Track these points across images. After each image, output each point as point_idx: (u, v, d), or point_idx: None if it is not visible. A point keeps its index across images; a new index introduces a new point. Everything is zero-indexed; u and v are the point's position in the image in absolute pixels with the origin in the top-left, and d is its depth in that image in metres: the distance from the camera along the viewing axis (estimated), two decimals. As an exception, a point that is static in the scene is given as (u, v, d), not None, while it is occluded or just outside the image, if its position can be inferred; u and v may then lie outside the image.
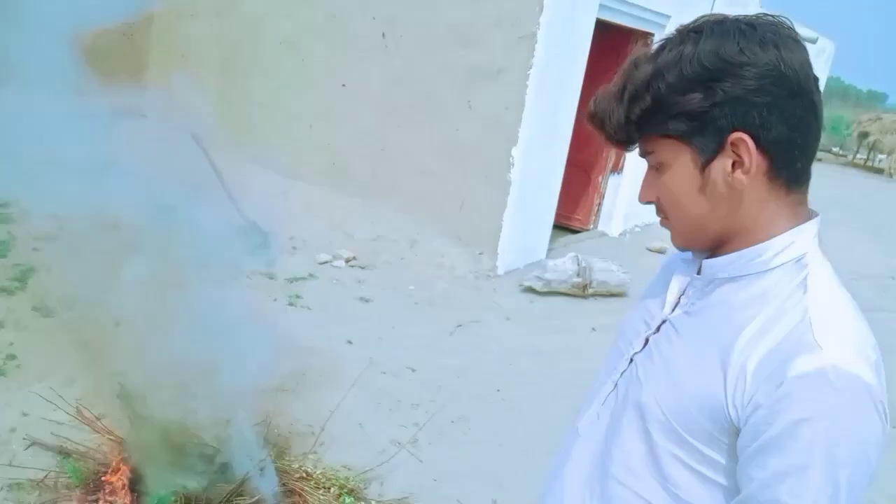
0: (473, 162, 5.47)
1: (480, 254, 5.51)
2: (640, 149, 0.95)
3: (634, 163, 7.03)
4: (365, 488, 2.87)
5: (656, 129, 0.90)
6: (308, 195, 6.37)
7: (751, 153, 0.86)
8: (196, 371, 2.85)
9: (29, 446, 2.85)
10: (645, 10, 6.14)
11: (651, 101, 0.87)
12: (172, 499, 2.29)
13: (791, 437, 0.76)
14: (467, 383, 3.92)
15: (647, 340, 1.01)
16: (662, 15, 6.43)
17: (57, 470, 2.66)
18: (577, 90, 5.63)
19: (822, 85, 10.66)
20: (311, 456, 3.00)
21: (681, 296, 1.00)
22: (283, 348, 3.92)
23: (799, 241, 0.89)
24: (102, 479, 2.51)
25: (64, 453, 2.78)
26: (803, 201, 0.92)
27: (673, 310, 1.00)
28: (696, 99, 0.85)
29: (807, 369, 0.77)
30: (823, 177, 15.55)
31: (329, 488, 2.59)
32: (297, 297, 4.64)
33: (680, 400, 0.89)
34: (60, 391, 3.15)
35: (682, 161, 0.90)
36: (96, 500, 2.40)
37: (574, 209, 7.15)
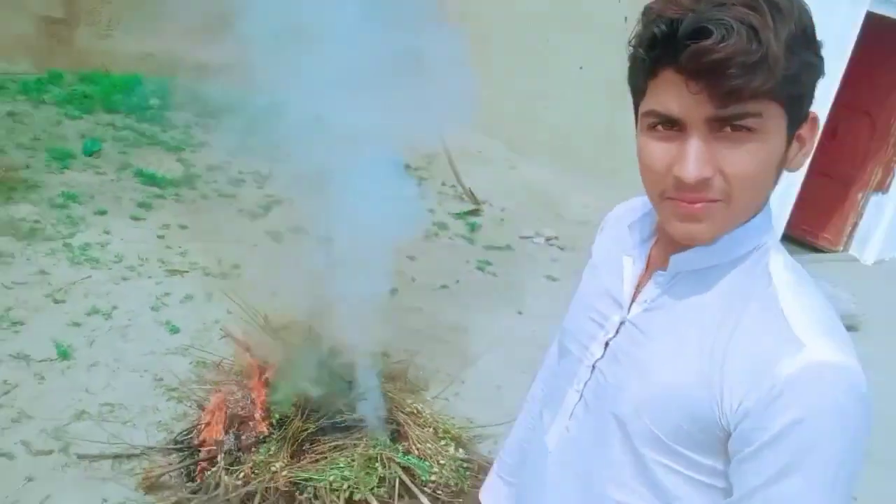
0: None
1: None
2: (743, 109, 0.74)
3: (906, 183, 6.05)
4: (478, 443, 3.00)
5: (787, 88, 0.74)
6: (529, 172, 6.53)
7: (817, 135, 0.82)
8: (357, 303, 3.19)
9: (222, 337, 3.45)
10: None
11: (804, 57, 0.75)
12: (291, 399, 2.63)
13: (785, 440, 0.74)
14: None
15: (606, 344, 0.94)
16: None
17: (232, 359, 3.20)
18: (834, 88, 5.00)
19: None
20: (439, 400, 3.21)
21: (635, 291, 0.93)
22: (454, 304, 4.18)
23: (764, 227, 0.85)
24: (257, 373, 2.97)
25: (245, 348, 3.32)
26: None
27: (629, 308, 0.92)
28: (820, 64, 0.78)
29: (793, 371, 0.74)
30: None
31: (434, 429, 2.76)
32: (488, 263, 4.85)
33: (663, 410, 0.84)
34: (261, 301, 3.74)
35: (780, 132, 0.78)
36: (245, 388, 2.85)
37: (823, 226, 6.36)
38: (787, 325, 0.77)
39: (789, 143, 0.80)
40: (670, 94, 0.76)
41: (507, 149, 6.95)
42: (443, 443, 2.71)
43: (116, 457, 2.54)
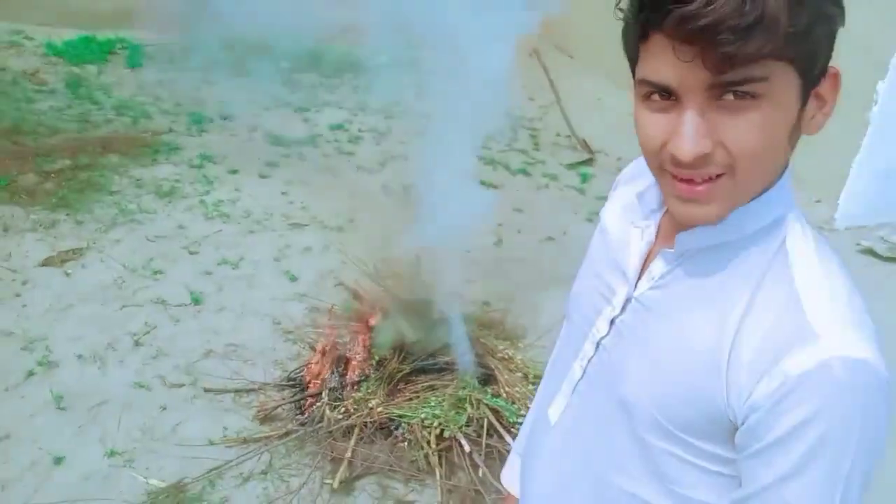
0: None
1: (818, 201, 4.88)
2: (743, 74, 0.67)
3: None
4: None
5: (794, 47, 0.67)
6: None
7: (838, 92, 0.74)
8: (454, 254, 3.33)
9: (336, 285, 3.71)
10: None
11: (814, 13, 0.67)
12: (391, 342, 2.82)
13: (796, 438, 0.70)
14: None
15: (612, 322, 0.90)
16: None
17: (342, 305, 3.45)
18: None
19: None
20: (536, 347, 3.29)
21: (643, 266, 0.88)
22: (559, 255, 4.21)
23: (777, 199, 0.78)
24: (364, 318, 3.19)
25: (355, 296, 3.56)
26: None
27: (636, 284, 0.88)
28: (837, 14, 0.70)
29: (807, 365, 0.69)
30: None
31: (524, 374, 2.86)
32: (597, 214, 4.79)
33: (669, 397, 0.80)
34: (374, 252, 3.96)
35: (791, 95, 0.71)
36: (352, 331, 3.08)
37: None
38: (803, 312, 0.71)
39: (804, 104, 0.73)
40: (662, 61, 0.69)
41: (630, 98, 6.73)
42: (532, 387, 2.80)
43: (237, 391, 2.85)
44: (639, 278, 0.88)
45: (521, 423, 2.67)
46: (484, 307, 3.54)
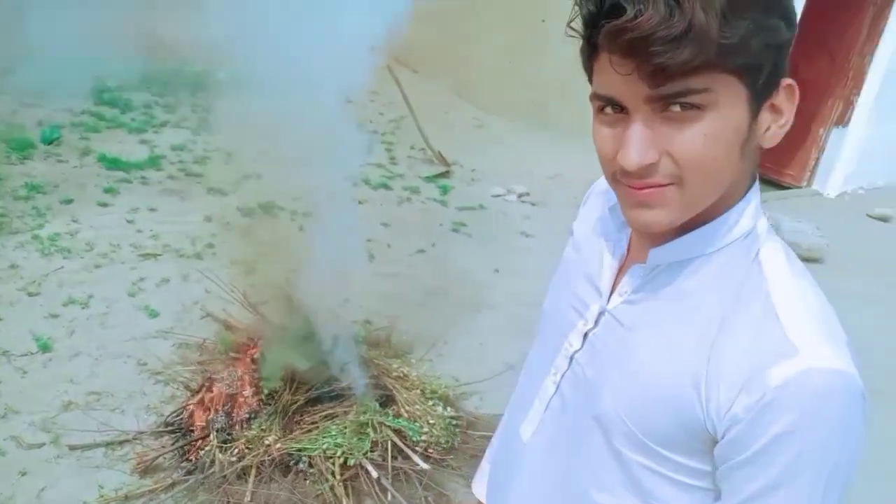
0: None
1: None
2: (682, 86, 0.68)
3: (864, 115, 6.15)
4: (463, 400, 3.07)
5: (734, 59, 0.67)
6: (500, 130, 6.53)
7: (795, 104, 0.74)
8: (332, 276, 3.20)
9: (203, 317, 3.45)
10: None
11: (752, 23, 0.67)
12: (279, 373, 2.65)
13: (777, 450, 0.71)
14: (603, 325, 3.90)
15: (585, 335, 0.89)
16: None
17: (215, 338, 3.21)
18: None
19: None
20: (424, 362, 3.26)
21: (615, 280, 0.88)
22: (431, 267, 4.21)
23: (746, 212, 0.79)
24: (242, 350, 2.98)
25: (226, 326, 3.33)
26: None
27: (609, 298, 0.88)
28: (780, 29, 0.69)
29: (787, 377, 0.70)
30: None
31: (421, 390, 2.81)
32: (462, 224, 4.87)
33: (646, 412, 0.79)
34: (238, 277, 3.73)
35: (738, 107, 0.71)
36: (231, 365, 2.86)
37: (787, 163, 6.46)
38: (781, 326, 0.72)
39: (755, 116, 0.72)
40: (608, 76, 0.71)
41: (475, 108, 6.93)
42: (431, 403, 2.76)
43: (108, 444, 2.55)
44: (612, 292, 0.88)
45: (423, 441, 2.63)
46: (367, 326, 3.45)
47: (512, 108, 6.53)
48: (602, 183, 1.03)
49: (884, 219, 5.83)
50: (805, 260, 4.46)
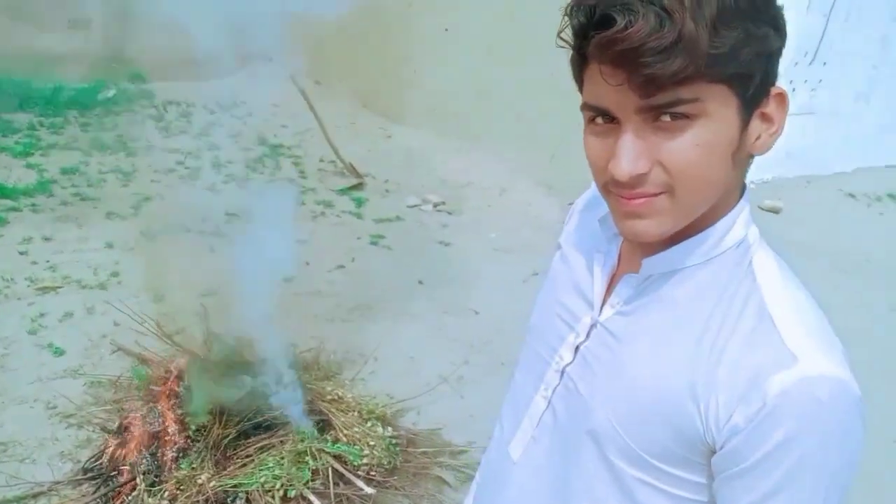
0: (570, 109, 5.32)
1: (570, 204, 5.40)
2: (672, 96, 0.68)
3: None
4: (400, 417, 3.01)
5: (725, 69, 0.68)
6: (408, 139, 6.50)
7: (785, 112, 0.74)
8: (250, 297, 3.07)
9: (114, 351, 3.23)
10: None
11: (742, 33, 0.67)
12: (206, 406, 2.51)
13: (778, 459, 0.71)
14: (529, 329, 3.93)
15: (577, 348, 0.88)
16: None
17: (130, 373, 3.01)
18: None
19: None
20: (357, 381, 3.17)
21: (606, 291, 0.87)
22: (353, 283, 4.12)
23: (738, 221, 0.79)
24: (162, 384, 2.80)
25: (141, 360, 3.13)
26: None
27: (601, 310, 0.86)
28: (770, 37, 0.70)
29: (786, 386, 0.70)
30: None
31: (358, 412, 2.73)
32: (381, 236, 4.80)
33: (643, 425, 0.78)
34: (149, 306, 3.52)
35: (729, 116, 0.71)
36: (151, 402, 2.69)
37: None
38: (778, 335, 0.73)
39: (745, 125, 0.73)
40: (598, 86, 0.70)
41: (382, 118, 6.88)
42: (369, 424, 2.69)
43: (21, 499, 2.33)
44: (603, 304, 0.86)
45: (365, 464, 2.56)
46: (293, 348, 3.33)
47: (419, 117, 6.53)
48: (584, 199, 1.03)
49: (774, 210, 6.20)
50: None
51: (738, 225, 0.79)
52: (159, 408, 2.63)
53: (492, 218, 5.31)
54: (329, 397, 2.75)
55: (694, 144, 0.70)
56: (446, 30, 6.13)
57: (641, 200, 0.73)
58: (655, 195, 0.73)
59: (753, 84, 0.71)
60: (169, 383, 2.75)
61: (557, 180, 5.49)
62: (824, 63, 7.10)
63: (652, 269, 0.81)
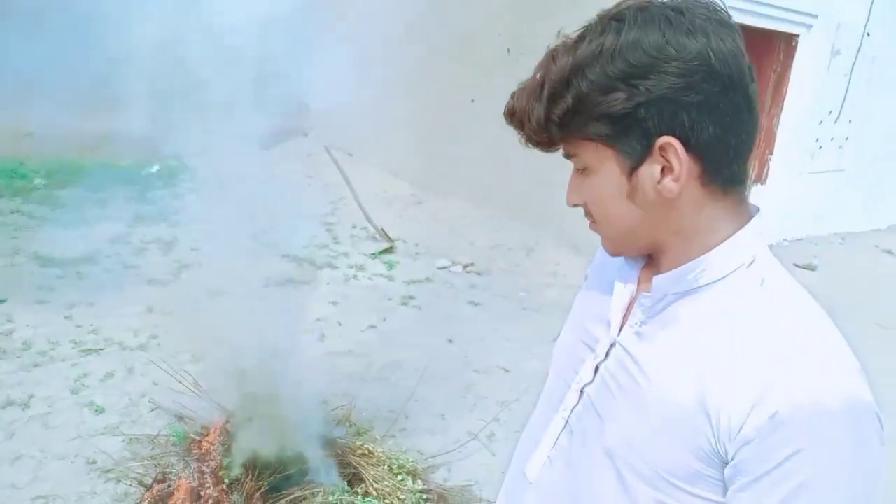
0: (594, 171, 5.44)
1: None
2: (563, 150, 0.86)
3: (780, 172, 6.59)
4: (431, 473, 3.01)
5: (578, 131, 0.81)
6: (438, 205, 6.66)
7: (680, 159, 0.78)
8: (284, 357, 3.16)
9: (153, 409, 3.32)
10: (787, 10, 5.79)
11: (572, 101, 0.79)
12: (241, 460, 2.56)
13: (788, 470, 0.71)
14: (559, 386, 3.93)
15: (597, 369, 0.91)
16: (808, 14, 6.00)
17: (168, 431, 3.08)
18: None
19: None
20: (387, 438, 3.20)
21: (625, 313, 0.91)
22: (384, 342, 4.18)
23: (746, 243, 0.82)
24: (200, 440, 2.87)
25: (178, 417, 3.20)
26: (742, 200, 0.84)
27: (620, 331, 0.90)
28: (619, 99, 0.77)
29: (797, 397, 0.71)
30: None
31: (388, 466, 2.75)
32: (411, 297, 4.89)
33: (658, 440, 0.80)
34: (186, 366, 3.62)
35: (607, 166, 0.82)
36: (192, 458, 2.74)
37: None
38: (790, 347, 0.74)
39: (632, 172, 0.81)
40: None
41: (411, 185, 7.07)
42: (399, 478, 2.70)
43: (60, 551, 2.39)
44: (622, 326, 0.90)
45: (394, 518, 2.56)
46: (325, 406, 3.38)
47: (448, 184, 6.70)
48: None
49: (810, 267, 6.17)
50: None
51: (743, 247, 0.82)
52: (195, 462, 2.68)
53: (520, 278, 5.38)
54: (360, 451, 2.78)
55: (588, 189, 0.86)
56: (472, 101, 6.35)
57: (591, 223, 0.90)
58: (594, 222, 0.89)
59: (618, 138, 0.80)
60: (205, 438, 2.82)
61: (582, 239, 5.56)
62: (850, 121, 7.16)
63: (662, 288, 0.85)
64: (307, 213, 6.30)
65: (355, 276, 5.18)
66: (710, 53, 0.76)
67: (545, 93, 0.81)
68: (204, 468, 2.65)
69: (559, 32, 0.86)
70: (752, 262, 0.82)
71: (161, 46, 2.51)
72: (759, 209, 0.85)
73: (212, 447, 2.76)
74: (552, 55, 0.83)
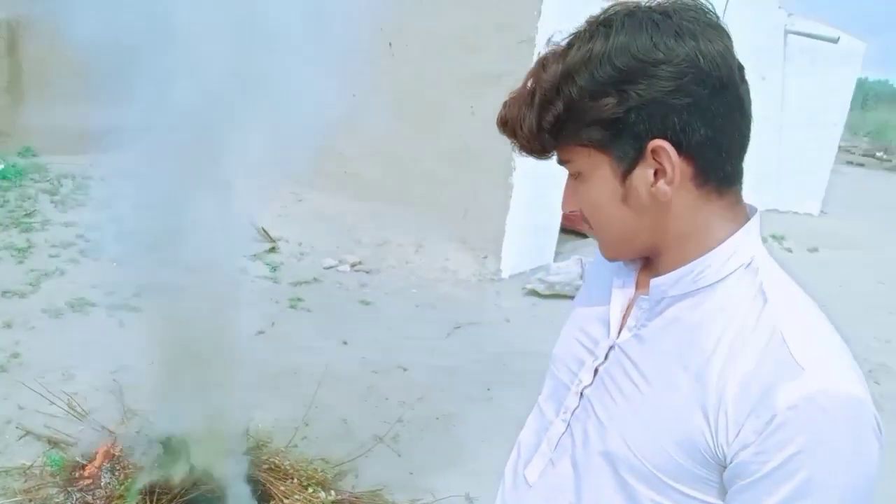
0: (478, 167, 5.51)
1: (485, 257, 5.53)
2: (557, 157, 0.86)
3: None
4: (338, 480, 2.92)
5: (570, 137, 0.82)
6: (320, 202, 6.49)
7: (673, 162, 0.78)
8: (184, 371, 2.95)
9: (22, 437, 2.98)
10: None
11: (563, 108, 0.79)
12: (139, 486, 2.36)
13: (787, 472, 0.71)
14: (458, 383, 3.94)
15: (596, 371, 0.91)
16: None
17: (43, 459, 2.78)
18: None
19: (851, 87, 10.38)
20: (290, 449, 3.06)
21: (623, 316, 0.91)
22: (275, 348, 4.02)
23: (744, 244, 0.83)
24: (84, 467, 2.62)
25: (53, 443, 2.90)
26: (738, 200, 0.84)
27: (619, 333, 0.91)
28: (609, 104, 0.77)
29: (795, 399, 0.71)
30: (865, 181, 15.10)
31: (295, 479, 2.63)
32: (299, 299, 4.73)
33: (656, 442, 0.80)
34: (57, 386, 3.29)
35: (601, 171, 0.82)
36: (75, 488, 2.50)
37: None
38: (789, 350, 0.74)
39: (625, 176, 0.81)
40: None
41: (291, 182, 6.84)
42: (311, 490, 2.60)
43: None
44: (621, 328, 0.91)
45: (309, 532, 2.46)
46: (220, 418, 3.18)
47: (330, 180, 6.54)
48: None
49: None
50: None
51: (740, 250, 0.82)
52: (78, 493, 2.45)
53: (410, 275, 5.35)
54: (265, 466, 2.64)
55: (582, 194, 0.86)
56: (354, 95, 6.23)
57: (587, 228, 0.90)
58: (591, 227, 0.89)
59: (610, 143, 0.80)
60: (89, 465, 2.57)
61: (471, 235, 5.62)
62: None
63: (660, 290, 0.85)
64: (178, 214, 5.95)
65: (239, 280, 4.93)
66: (699, 56, 0.76)
67: (536, 100, 0.81)
68: (89, 498, 2.43)
69: (549, 40, 0.83)
70: (750, 262, 0.82)
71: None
72: (756, 209, 0.86)
73: (98, 474, 2.53)
74: (542, 63, 0.82)
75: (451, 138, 5.64)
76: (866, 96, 29.95)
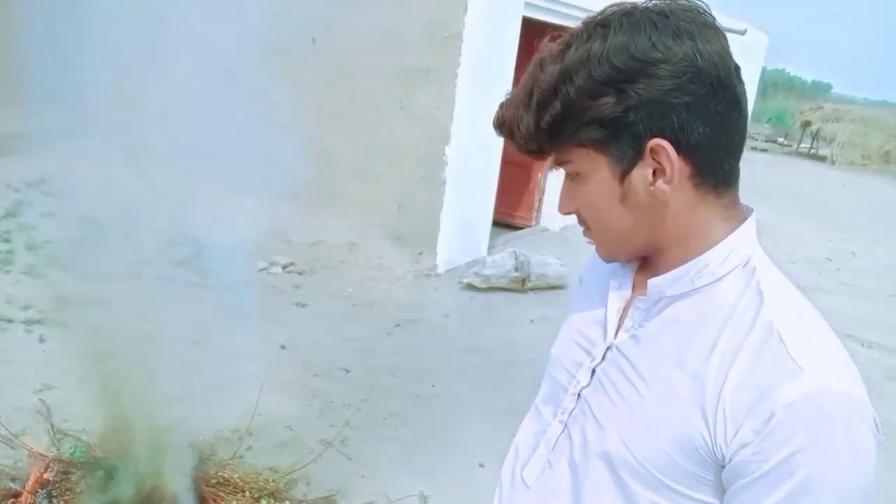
0: (409, 163, 5.49)
1: (420, 254, 5.52)
2: (554, 158, 0.86)
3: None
4: (290, 489, 2.85)
5: (569, 138, 0.81)
6: (248, 204, 6.30)
7: (672, 161, 0.78)
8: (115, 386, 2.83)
9: (-61, 468, 2.77)
10: (571, 6, 6.23)
11: (561, 108, 0.79)
12: (79, 508, 2.24)
13: (785, 472, 0.71)
14: (402, 381, 3.92)
15: (593, 372, 0.91)
16: (589, 11, 6.48)
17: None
18: (508, 88, 5.66)
19: (756, 78, 10.90)
20: (236, 460, 2.97)
21: (620, 317, 0.91)
22: (211, 356, 3.89)
23: (740, 244, 0.83)
24: (14, 494, 2.45)
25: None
26: (735, 201, 0.85)
27: (616, 334, 0.90)
28: (608, 103, 0.77)
29: (793, 398, 0.71)
30: (769, 166, 15.92)
31: (246, 492, 2.56)
32: (232, 304, 4.58)
33: (655, 443, 0.80)
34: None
35: (599, 171, 0.82)
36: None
37: (516, 206, 7.20)
38: (786, 350, 0.74)
39: (623, 176, 0.81)
40: None
41: (214, 183, 6.62)
42: (263, 502, 2.53)
43: None
44: (618, 329, 0.91)
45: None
46: (159, 434, 3.05)
47: (257, 180, 6.37)
48: None
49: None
50: (553, 288, 4.90)
51: (736, 250, 0.83)
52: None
53: (345, 275, 5.28)
54: (213, 481, 2.55)
55: (580, 195, 0.86)
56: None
57: (584, 229, 0.90)
58: (588, 228, 0.89)
59: (608, 143, 0.80)
60: (23, 494, 2.42)
61: (405, 232, 5.59)
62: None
63: (657, 291, 0.86)
64: (99, 222, 5.66)
65: (164, 287, 4.74)
66: (697, 55, 0.77)
67: (534, 101, 0.81)
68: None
69: (545, 42, 0.83)
70: (747, 262, 0.83)
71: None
72: (752, 210, 0.87)
73: (33, 501, 2.38)
74: (539, 63, 0.82)
75: (380, 135, 5.59)
76: (766, 85, 31.65)
